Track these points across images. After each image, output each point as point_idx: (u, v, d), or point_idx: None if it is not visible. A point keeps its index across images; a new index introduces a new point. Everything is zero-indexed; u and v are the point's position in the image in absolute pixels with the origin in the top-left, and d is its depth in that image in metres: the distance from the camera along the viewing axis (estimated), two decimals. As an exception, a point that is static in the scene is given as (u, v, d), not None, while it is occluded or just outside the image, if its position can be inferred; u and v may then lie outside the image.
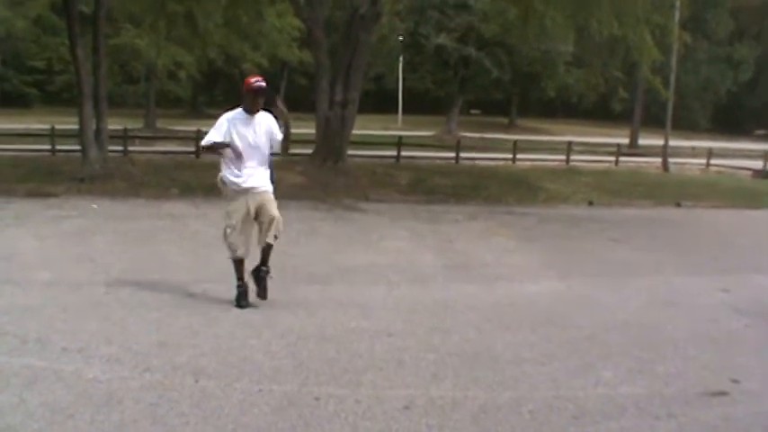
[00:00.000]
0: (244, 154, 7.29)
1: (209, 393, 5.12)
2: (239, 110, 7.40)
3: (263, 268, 7.55)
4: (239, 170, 7.35)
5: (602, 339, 6.94)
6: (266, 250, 7.54)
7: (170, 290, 7.90)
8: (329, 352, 6.16)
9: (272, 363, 5.82)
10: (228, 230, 7.43)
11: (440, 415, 4.97)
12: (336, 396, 5.18)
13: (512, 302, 8.23)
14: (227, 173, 7.44)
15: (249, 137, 7.32)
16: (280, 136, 7.51)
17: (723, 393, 5.65)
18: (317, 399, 5.12)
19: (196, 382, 5.32)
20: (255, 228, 7.55)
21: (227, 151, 7.33)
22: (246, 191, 7.38)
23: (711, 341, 7.10)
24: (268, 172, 7.60)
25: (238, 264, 7.52)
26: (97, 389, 5.09)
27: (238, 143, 7.29)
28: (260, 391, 5.22)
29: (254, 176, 7.40)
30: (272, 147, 7.54)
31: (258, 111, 7.38)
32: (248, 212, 7.42)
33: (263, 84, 7.32)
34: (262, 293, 7.52)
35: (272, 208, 7.44)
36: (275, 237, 7.46)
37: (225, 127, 7.34)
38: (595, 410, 5.17)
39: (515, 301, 8.29)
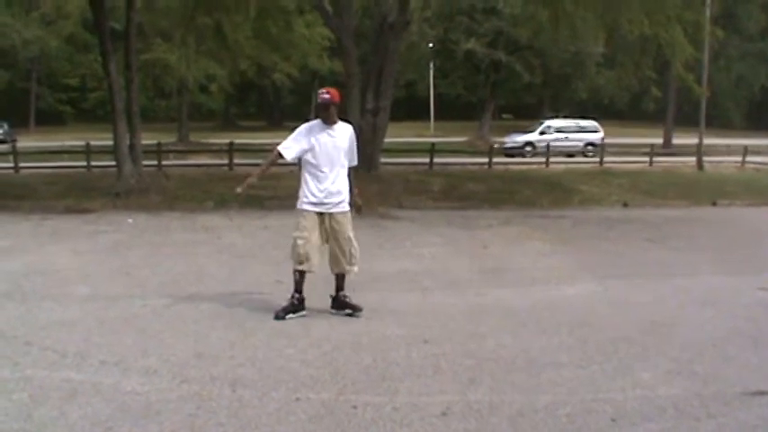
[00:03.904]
0: (323, 161, 7.35)
1: (246, 403, 5.13)
2: (318, 120, 7.48)
3: (341, 294, 7.65)
4: (316, 186, 7.35)
5: (640, 341, 6.87)
6: (340, 277, 7.62)
7: (206, 302, 7.95)
8: (365, 360, 6.16)
9: (308, 371, 5.82)
10: (300, 242, 7.29)
11: (477, 420, 4.94)
12: (373, 404, 5.17)
13: (548, 306, 8.18)
14: (304, 186, 7.40)
15: (328, 144, 7.37)
16: (355, 161, 7.74)
17: (763, 393, 5.57)
18: (354, 407, 5.11)
19: (233, 392, 5.34)
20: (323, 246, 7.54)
21: (308, 158, 7.39)
22: (321, 206, 7.38)
23: (750, 340, 7.00)
24: (347, 186, 7.60)
25: (301, 276, 7.42)
26: (136, 401, 5.12)
27: (318, 149, 7.34)
28: (297, 399, 5.22)
29: (332, 192, 7.40)
30: (349, 161, 7.64)
31: (334, 121, 7.44)
32: (321, 230, 7.40)
33: (327, 96, 7.33)
34: (356, 311, 7.57)
35: (347, 230, 7.52)
36: (352, 264, 7.57)
37: (304, 133, 7.42)
38: (634, 412, 5.12)
39: (551, 305, 8.24)
